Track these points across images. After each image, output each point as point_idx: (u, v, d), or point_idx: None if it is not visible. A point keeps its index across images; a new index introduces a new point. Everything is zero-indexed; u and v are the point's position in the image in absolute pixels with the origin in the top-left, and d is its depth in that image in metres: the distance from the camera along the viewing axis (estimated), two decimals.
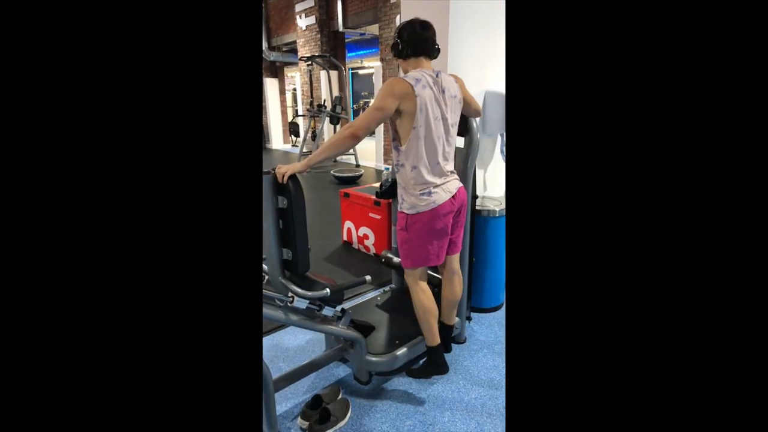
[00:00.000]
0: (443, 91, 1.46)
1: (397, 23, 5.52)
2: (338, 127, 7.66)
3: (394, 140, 1.51)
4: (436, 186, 1.48)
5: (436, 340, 1.65)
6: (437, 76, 1.46)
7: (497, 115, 2.22)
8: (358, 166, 6.66)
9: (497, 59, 2.30)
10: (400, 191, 1.55)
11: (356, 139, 1.38)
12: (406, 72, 1.51)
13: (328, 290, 1.40)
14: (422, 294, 1.60)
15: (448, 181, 1.52)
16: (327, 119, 6.89)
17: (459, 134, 1.63)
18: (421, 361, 1.76)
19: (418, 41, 1.46)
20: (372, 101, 1.40)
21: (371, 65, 7.48)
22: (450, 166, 1.55)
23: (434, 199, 1.48)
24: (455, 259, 1.68)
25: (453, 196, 1.51)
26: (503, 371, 1.77)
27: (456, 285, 1.70)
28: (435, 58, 1.51)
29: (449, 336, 1.79)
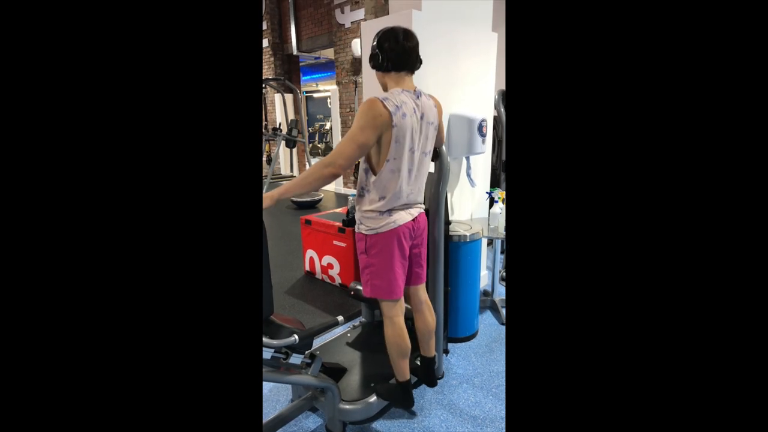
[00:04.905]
0: (421, 117, 1.36)
1: (353, 47, 5.57)
2: (294, 151, 7.47)
3: (365, 162, 1.39)
4: (398, 209, 1.40)
5: (405, 376, 1.54)
6: (418, 97, 1.36)
7: (463, 139, 2.19)
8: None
9: (460, 83, 2.30)
10: (358, 213, 1.44)
11: (336, 177, 1.28)
12: (384, 85, 1.41)
13: (296, 337, 1.24)
14: (392, 329, 1.48)
15: (410, 207, 1.45)
16: (283, 143, 6.69)
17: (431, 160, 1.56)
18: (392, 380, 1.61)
19: (401, 54, 1.34)
20: (351, 129, 1.28)
21: (327, 89, 7.44)
22: (417, 196, 1.46)
23: (395, 219, 1.38)
24: (421, 289, 1.59)
25: (414, 219, 1.44)
26: (485, 407, 1.67)
27: (427, 314, 1.61)
28: (417, 69, 1.41)
29: (432, 369, 1.67)
